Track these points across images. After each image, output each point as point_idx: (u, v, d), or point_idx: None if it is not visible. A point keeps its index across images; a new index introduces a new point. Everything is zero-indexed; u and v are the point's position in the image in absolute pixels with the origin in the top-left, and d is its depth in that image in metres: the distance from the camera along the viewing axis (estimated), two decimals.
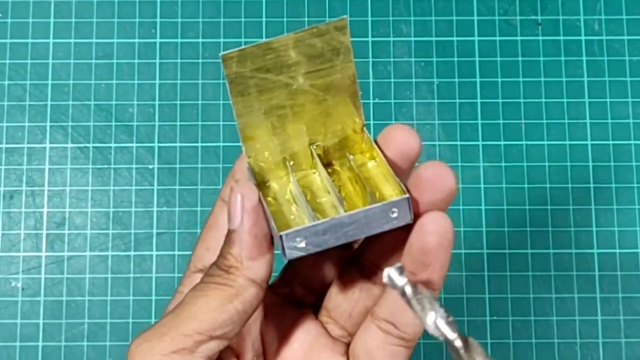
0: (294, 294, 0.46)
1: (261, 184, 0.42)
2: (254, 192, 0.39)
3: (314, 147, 0.42)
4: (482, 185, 0.75)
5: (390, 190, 0.40)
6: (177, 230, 0.74)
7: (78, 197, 0.75)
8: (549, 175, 0.75)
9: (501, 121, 0.76)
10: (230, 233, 0.39)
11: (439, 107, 0.77)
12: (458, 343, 0.36)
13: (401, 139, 0.41)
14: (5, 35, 0.78)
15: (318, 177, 0.43)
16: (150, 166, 0.75)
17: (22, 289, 0.73)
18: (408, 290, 0.37)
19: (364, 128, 0.42)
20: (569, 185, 0.75)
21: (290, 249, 0.38)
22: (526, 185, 0.75)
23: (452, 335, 0.36)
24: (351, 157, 0.43)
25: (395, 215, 0.38)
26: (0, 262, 0.74)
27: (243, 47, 0.38)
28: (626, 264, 0.74)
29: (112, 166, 0.75)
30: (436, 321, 0.36)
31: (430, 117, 0.76)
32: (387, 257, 0.42)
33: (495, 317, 0.72)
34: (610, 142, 0.76)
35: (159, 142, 0.76)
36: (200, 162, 0.75)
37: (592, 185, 0.75)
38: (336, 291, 0.45)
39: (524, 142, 0.76)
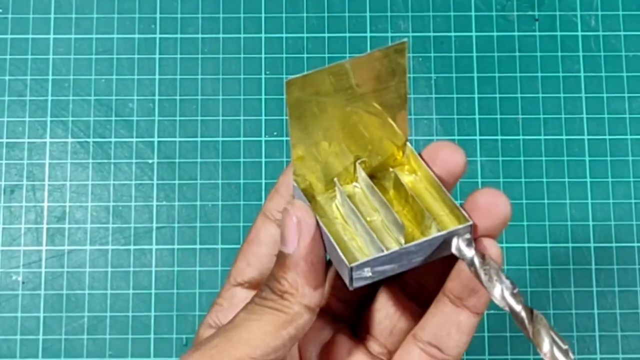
0: (330, 308, 0.45)
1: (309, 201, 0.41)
2: (310, 216, 0.38)
3: (359, 162, 0.41)
4: (479, 180, 0.74)
5: (440, 209, 0.40)
6: (176, 225, 0.74)
7: (78, 192, 0.74)
8: (546, 169, 0.75)
9: (498, 116, 0.76)
10: (284, 256, 0.38)
11: (437, 102, 0.76)
12: (523, 314, 0.37)
13: (446, 155, 0.41)
14: (6, 30, 0.77)
15: (359, 190, 0.42)
16: (150, 161, 0.75)
17: (23, 283, 0.73)
18: (476, 261, 0.37)
19: (407, 142, 0.42)
20: (566, 180, 0.74)
21: (357, 278, 0.38)
22: (523, 180, 0.74)
23: (517, 306, 0.37)
24: (394, 171, 0.42)
25: (456, 242, 0.38)
26: (1, 256, 0.73)
27: (307, 73, 0.37)
28: (622, 257, 0.73)
29: (112, 161, 0.75)
30: (503, 292, 0.37)
31: (428, 112, 0.76)
32: (432, 277, 0.42)
33: (493, 311, 0.71)
34: (607, 137, 0.75)
35: (158, 137, 0.75)
36: (199, 156, 0.75)
37: (588, 179, 0.74)
38: (378, 308, 0.44)
39: (521, 137, 0.75)
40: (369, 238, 0.39)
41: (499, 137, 0.75)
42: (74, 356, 0.71)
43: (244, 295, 0.43)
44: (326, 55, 0.76)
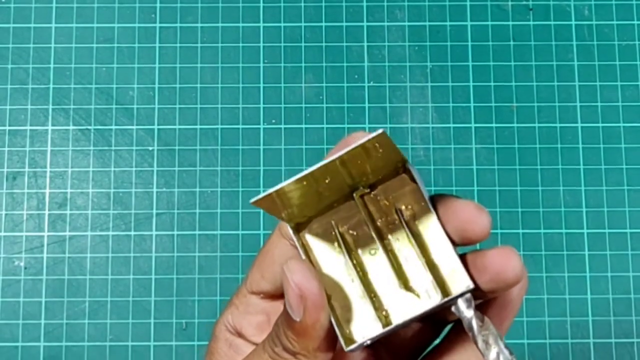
0: (378, 356, 0.42)
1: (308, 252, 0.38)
2: (311, 282, 0.35)
3: (356, 194, 0.38)
4: (474, 167, 0.73)
5: (442, 263, 0.36)
6: (176, 211, 0.73)
7: (79, 179, 0.73)
8: (540, 157, 0.74)
9: (493, 104, 0.75)
10: (292, 321, 0.35)
11: (432, 90, 0.75)
12: None
13: (470, 216, 0.35)
14: (8, 19, 0.76)
15: (359, 217, 0.38)
16: (150, 148, 0.74)
17: (25, 268, 0.72)
18: (474, 324, 0.35)
19: (406, 169, 0.37)
20: (559, 167, 0.73)
21: (355, 351, 0.36)
22: (517, 167, 0.73)
23: None
24: (402, 211, 0.38)
25: (455, 305, 0.35)
26: (3, 241, 0.72)
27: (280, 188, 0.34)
28: (615, 243, 0.73)
29: (113, 148, 0.74)
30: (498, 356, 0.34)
31: (424, 100, 0.75)
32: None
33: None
34: (600, 125, 0.74)
35: (158, 125, 0.74)
36: (199, 144, 0.74)
37: (582, 166, 0.73)
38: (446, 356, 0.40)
39: (515, 125, 0.74)
40: (368, 307, 0.36)
41: (494, 125, 0.74)
42: (75, 340, 0.71)
43: (260, 307, 0.42)
44: (323, 44, 0.75)
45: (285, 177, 0.72)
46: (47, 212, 0.73)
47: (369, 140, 0.33)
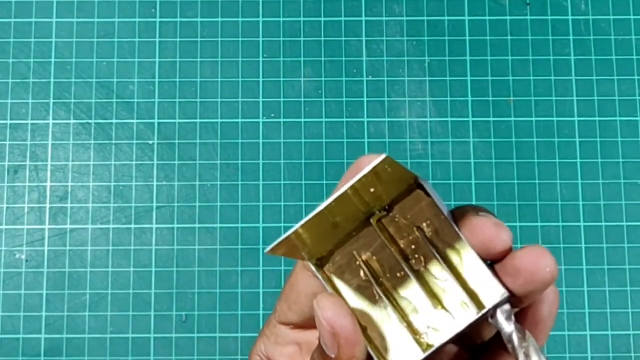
0: None
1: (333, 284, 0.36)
2: (344, 317, 0.33)
3: (373, 218, 0.36)
4: (472, 160, 0.73)
5: (478, 278, 0.34)
6: (176, 204, 0.72)
7: (80, 172, 0.73)
8: (537, 150, 0.73)
9: (490, 98, 0.74)
10: (328, 357, 0.34)
11: (430, 84, 0.75)
12: None
13: (490, 234, 0.33)
14: (10, 14, 0.76)
15: (380, 242, 0.36)
16: (150, 142, 0.73)
17: (26, 261, 0.71)
18: (515, 337, 0.33)
19: (419, 185, 0.36)
20: (557, 160, 0.73)
21: None
22: (515, 160, 0.73)
23: None
24: (423, 228, 0.36)
25: (493, 318, 0.34)
26: (4, 234, 0.72)
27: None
28: (612, 236, 0.72)
29: (113, 142, 0.73)
30: None
31: (422, 94, 0.74)
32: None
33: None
34: (596, 119, 0.74)
35: (158, 119, 0.74)
36: (198, 137, 0.73)
37: (578, 160, 0.73)
38: None
39: (512, 119, 0.74)
40: (404, 332, 0.35)
41: (491, 119, 0.74)
42: (76, 332, 0.70)
43: (290, 337, 0.40)
44: (322, 38, 0.75)
45: (284, 172, 0.72)
46: (48, 205, 0.72)
47: (377, 165, 0.31)
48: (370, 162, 0.31)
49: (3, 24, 0.75)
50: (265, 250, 0.33)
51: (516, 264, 0.32)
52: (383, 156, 0.31)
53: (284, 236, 0.33)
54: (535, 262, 0.32)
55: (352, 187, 0.32)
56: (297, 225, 0.33)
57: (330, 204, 0.32)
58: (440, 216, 0.35)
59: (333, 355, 0.33)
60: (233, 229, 0.72)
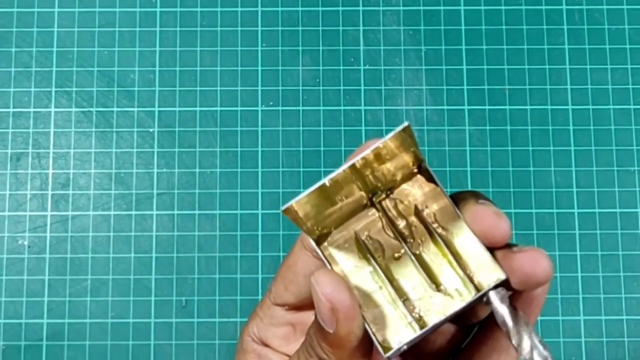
0: None
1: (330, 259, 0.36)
2: (342, 292, 0.32)
3: (375, 198, 0.36)
4: (467, 148, 0.72)
5: (477, 260, 0.34)
6: (176, 191, 0.71)
7: (82, 159, 0.72)
8: (532, 138, 0.72)
9: (486, 87, 0.73)
10: (326, 332, 0.33)
11: (427, 73, 0.74)
12: None
13: (490, 223, 0.33)
14: (12, 4, 0.75)
15: (379, 223, 0.36)
16: (151, 129, 0.72)
17: (29, 247, 0.71)
18: (508, 320, 0.33)
19: (422, 170, 0.36)
20: (551, 148, 0.72)
21: (392, 356, 0.33)
22: (509, 148, 0.72)
23: None
24: (423, 212, 0.36)
25: (488, 300, 0.33)
26: (7, 221, 0.71)
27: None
28: (605, 223, 0.71)
29: (115, 129, 0.72)
30: (533, 355, 0.32)
31: (418, 83, 0.73)
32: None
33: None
34: (590, 107, 0.73)
35: (159, 107, 0.73)
36: (198, 125, 0.73)
37: (572, 148, 0.72)
38: (488, 357, 0.38)
39: (507, 107, 0.73)
40: (401, 312, 0.34)
41: (487, 107, 0.73)
42: (77, 317, 0.70)
43: (284, 318, 0.40)
44: (320, 28, 0.74)
45: (282, 159, 0.71)
46: (50, 192, 0.71)
47: (393, 137, 0.32)
48: (388, 135, 0.32)
49: (6, 14, 0.75)
50: (281, 209, 0.33)
51: (513, 264, 0.33)
52: (406, 124, 0.32)
53: (292, 201, 0.33)
54: (533, 266, 0.32)
55: (362, 159, 0.32)
56: (306, 191, 0.33)
57: (351, 166, 0.33)
58: (440, 201, 0.35)
59: (331, 331, 0.33)
60: (232, 215, 0.71)
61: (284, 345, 0.40)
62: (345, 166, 0.33)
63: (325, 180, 0.33)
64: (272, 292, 0.40)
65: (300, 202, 0.33)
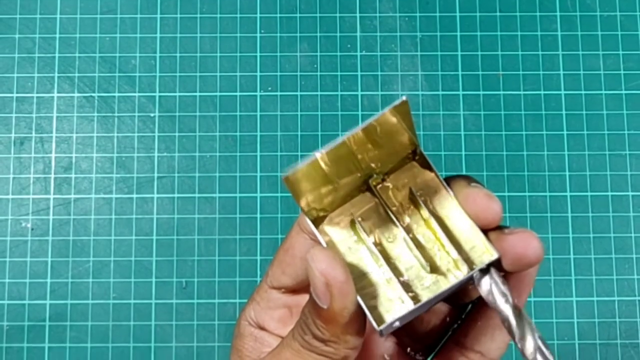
0: (402, 343, 0.40)
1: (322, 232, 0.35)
2: (337, 268, 0.32)
3: (372, 180, 0.35)
4: (462, 133, 0.71)
5: (471, 240, 0.34)
6: (176, 174, 0.70)
7: (84, 143, 0.71)
8: (525, 123, 0.71)
9: (480, 72, 0.72)
10: (320, 309, 0.33)
11: (422, 59, 0.72)
12: None
13: (482, 205, 0.33)
14: None
15: (375, 206, 0.36)
16: (152, 114, 0.71)
17: (32, 229, 0.70)
18: (511, 316, 0.32)
19: (418, 153, 0.35)
20: (544, 133, 0.71)
21: (386, 331, 0.33)
22: (504, 133, 0.71)
23: None
24: (417, 195, 0.35)
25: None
26: (11, 204, 0.70)
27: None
28: (597, 206, 0.70)
29: (116, 114, 0.71)
30: (536, 350, 0.32)
31: (414, 68, 0.72)
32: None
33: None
34: (583, 92, 0.72)
35: (159, 92, 0.72)
36: (198, 110, 0.71)
37: (565, 132, 0.71)
38: (482, 334, 0.37)
39: (501, 92, 0.72)
40: (395, 289, 0.34)
41: (481, 93, 0.72)
42: (80, 298, 0.69)
43: (281, 301, 0.40)
44: (317, 14, 0.73)
45: (280, 143, 0.70)
46: (53, 175, 0.70)
47: (394, 107, 0.32)
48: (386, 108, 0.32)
49: (9, 1, 0.74)
50: (282, 176, 0.32)
51: (505, 246, 0.32)
52: (404, 98, 0.32)
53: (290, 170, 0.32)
54: (524, 247, 0.32)
55: (363, 129, 0.32)
56: (307, 160, 0.32)
57: (356, 133, 0.32)
58: (434, 185, 0.35)
59: (325, 307, 0.33)
60: (231, 198, 0.70)
61: (280, 328, 0.39)
62: (344, 137, 0.32)
63: (323, 150, 0.32)
64: (269, 276, 0.40)
65: (301, 171, 0.32)
